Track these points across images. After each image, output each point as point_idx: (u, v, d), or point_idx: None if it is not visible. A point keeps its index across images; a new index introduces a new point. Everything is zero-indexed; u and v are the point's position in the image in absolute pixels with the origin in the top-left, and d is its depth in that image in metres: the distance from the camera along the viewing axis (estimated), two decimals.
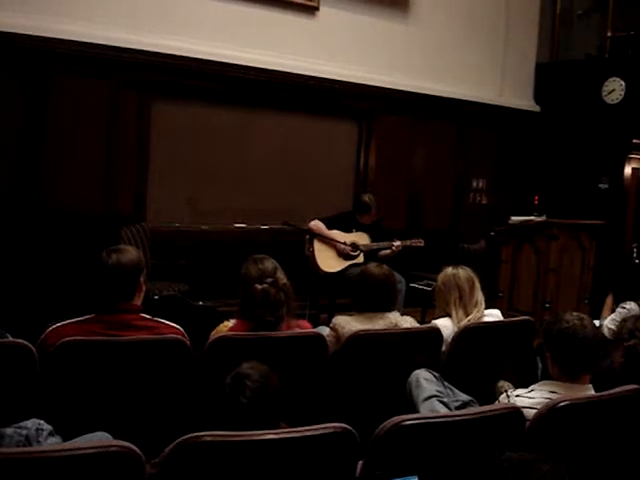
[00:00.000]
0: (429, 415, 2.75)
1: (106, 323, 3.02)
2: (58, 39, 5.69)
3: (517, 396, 2.83)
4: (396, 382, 3.33)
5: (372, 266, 3.92)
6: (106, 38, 5.90)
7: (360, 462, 2.27)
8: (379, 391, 3.45)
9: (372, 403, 3.35)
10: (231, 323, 3.39)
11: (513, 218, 7.13)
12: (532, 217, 7.03)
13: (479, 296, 3.95)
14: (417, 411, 3.11)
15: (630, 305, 4.63)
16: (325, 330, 3.77)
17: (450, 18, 8.23)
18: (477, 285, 3.96)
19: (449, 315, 3.90)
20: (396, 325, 3.71)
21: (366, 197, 6.55)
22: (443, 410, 3.07)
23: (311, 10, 7.16)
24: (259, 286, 3.27)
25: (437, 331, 3.72)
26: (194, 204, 6.77)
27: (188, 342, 3.09)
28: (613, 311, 4.81)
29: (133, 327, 3.05)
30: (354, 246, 6.33)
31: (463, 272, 3.95)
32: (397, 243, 6.36)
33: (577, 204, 8.10)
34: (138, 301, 3.14)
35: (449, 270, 3.98)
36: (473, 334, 3.70)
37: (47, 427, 2.31)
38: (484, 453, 2.33)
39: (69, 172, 5.92)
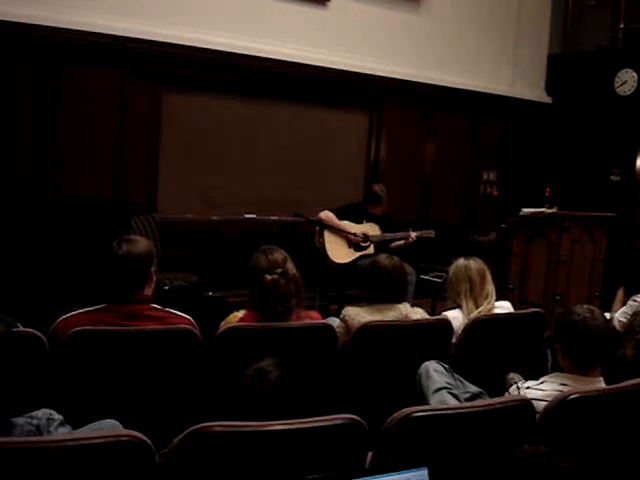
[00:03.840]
0: (439, 407, 2.76)
1: (117, 313, 3.03)
2: (69, 29, 5.68)
3: (527, 388, 2.82)
4: (406, 373, 3.33)
5: (383, 257, 3.92)
6: (118, 28, 5.90)
7: (370, 453, 2.27)
8: (389, 382, 3.45)
9: (382, 394, 3.36)
10: (241, 314, 3.40)
11: (524, 210, 7.10)
12: (543, 209, 6.99)
13: (490, 288, 3.95)
14: (427, 403, 3.11)
15: None
16: (335, 321, 3.77)
17: (462, 9, 8.18)
18: (488, 277, 3.96)
19: (459, 306, 3.90)
20: (406, 316, 3.71)
21: (377, 188, 6.55)
22: (453, 402, 3.07)
23: (322, 1, 7.13)
24: (269, 277, 3.27)
25: (447, 323, 3.72)
26: (204, 195, 6.77)
27: (198, 332, 3.10)
28: (624, 304, 4.79)
29: (143, 317, 3.06)
30: (365, 237, 6.33)
31: (474, 264, 3.95)
32: (413, 234, 6.35)
33: (588, 196, 8.05)
34: (149, 291, 3.15)
35: (460, 261, 3.99)
36: (483, 326, 3.69)
37: (58, 417, 2.31)
38: (494, 445, 2.33)
39: (80, 162, 5.93)
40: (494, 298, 3.96)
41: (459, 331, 3.71)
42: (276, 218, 7.03)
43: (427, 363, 3.28)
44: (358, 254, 6.31)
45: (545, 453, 1.82)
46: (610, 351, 2.88)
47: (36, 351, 2.78)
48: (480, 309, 3.85)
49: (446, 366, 3.31)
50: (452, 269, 4.00)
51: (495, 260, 6.89)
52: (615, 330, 4.36)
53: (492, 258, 6.59)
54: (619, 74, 8.34)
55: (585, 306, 2.84)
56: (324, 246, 6.18)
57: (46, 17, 5.57)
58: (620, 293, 5.08)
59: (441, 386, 3.17)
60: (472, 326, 3.66)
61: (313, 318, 3.53)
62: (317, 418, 2.19)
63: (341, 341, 3.52)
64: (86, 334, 2.86)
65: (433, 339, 3.63)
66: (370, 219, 6.45)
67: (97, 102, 5.99)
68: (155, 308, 3.14)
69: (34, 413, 2.29)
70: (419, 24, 7.87)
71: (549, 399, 2.57)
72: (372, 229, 6.41)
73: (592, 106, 8.53)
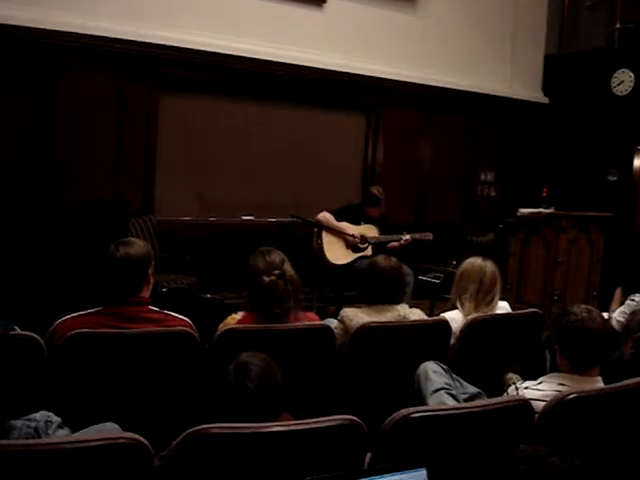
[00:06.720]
0: (437, 407, 2.75)
1: (115, 316, 3.02)
2: (66, 32, 5.68)
3: (526, 388, 2.83)
4: (404, 374, 3.33)
5: (381, 258, 3.91)
6: (115, 31, 5.90)
7: (368, 454, 2.27)
8: (387, 383, 3.44)
9: (380, 395, 3.35)
10: (239, 315, 3.39)
11: (521, 210, 7.11)
12: (540, 209, 7.01)
13: (496, 294, 3.91)
14: (425, 403, 3.11)
15: (639, 297, 4.61)
16: (333, 322, 3.77)
17: (458, 10, 8.19)
18: (498, 284, 3.91)
19: (460, 304, 3.87)
20: (404, 318, 3.70)
21: (375, 190, 6.55)
22: (451, 402, 3.07)
23: (319, 2, 7.13)
24: (267, 278, 3.27)
25: (445, 323, 3.71)
26: (202, 197, 6.77)
27: (196, 334, 3.10)
28: (622, 303, 4.79)
29: (141, 319, 3.05)
30: (363, 238, 6.33)
31: (490, 266, 3.89)
32: (407, 237, 6.35)
33: (586, 196, 8.07)
34: (146, 294, 3.14)
35: (477, 261, 3.92)
36: (481, 326, 3.69)
37: (56, 419, 2.31)
38: (493, 445, 2.33)
39: (78, 165, 5.93)
40: (497, 305, 3.93)
41: (458, 332, 3.70)
42: (274, 220, 7.03)
43: (425, 364, 3.28)
44: (356, 255, 6.31)
45: (542, 453, 1.82)
46: (608, 351, 2.88)
47: (34, 354, 2.78)
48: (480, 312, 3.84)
49: (444, 367, 3.30)
50: (467, 265, 3.94)
51: (493, 260, 6.88)
52: (613, 330, 4.36)
53: (490, 258, 6.57)
54: (616, 74, 8.35)
55: (583, 306, 2.84)
56: (322, 247, 6.18)
57: (43, 20, 5.56)
58: (618, 293, 5.09)
59: (440, 387, 3.17)
60: (470, 326, 3.65)
61: (311, 319, 3.53)
62: (316, 419, 2.18)
63: (339, 342, 3.51)
64: (84, 337, 2.85)
65: (431, 340, 3.63)
66: (368, 221, 6.46)
67: (95, 105, 5.99)
68: (153, 310, 3.13)
69: (32, 416, 2.29)
70: (416, 25, 7.87)
71: (547, 399, 2.57)
72: (370, 231, 6.41)
73: (589, 106, 8.54)
